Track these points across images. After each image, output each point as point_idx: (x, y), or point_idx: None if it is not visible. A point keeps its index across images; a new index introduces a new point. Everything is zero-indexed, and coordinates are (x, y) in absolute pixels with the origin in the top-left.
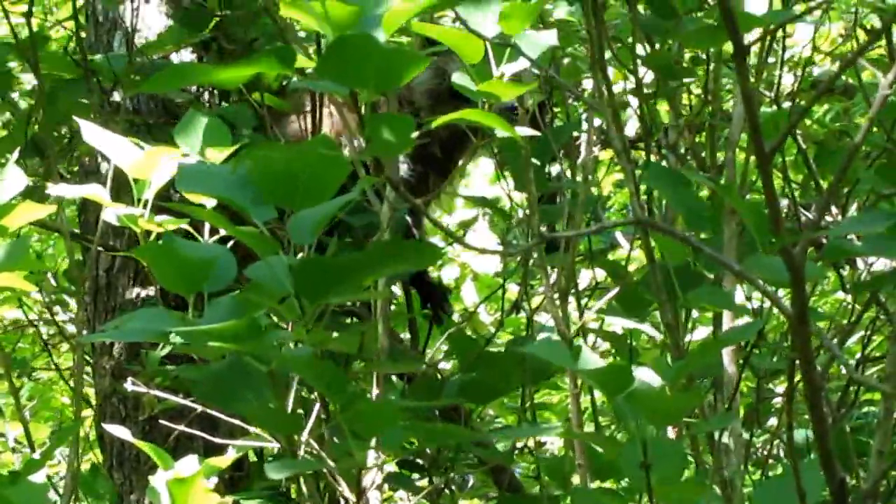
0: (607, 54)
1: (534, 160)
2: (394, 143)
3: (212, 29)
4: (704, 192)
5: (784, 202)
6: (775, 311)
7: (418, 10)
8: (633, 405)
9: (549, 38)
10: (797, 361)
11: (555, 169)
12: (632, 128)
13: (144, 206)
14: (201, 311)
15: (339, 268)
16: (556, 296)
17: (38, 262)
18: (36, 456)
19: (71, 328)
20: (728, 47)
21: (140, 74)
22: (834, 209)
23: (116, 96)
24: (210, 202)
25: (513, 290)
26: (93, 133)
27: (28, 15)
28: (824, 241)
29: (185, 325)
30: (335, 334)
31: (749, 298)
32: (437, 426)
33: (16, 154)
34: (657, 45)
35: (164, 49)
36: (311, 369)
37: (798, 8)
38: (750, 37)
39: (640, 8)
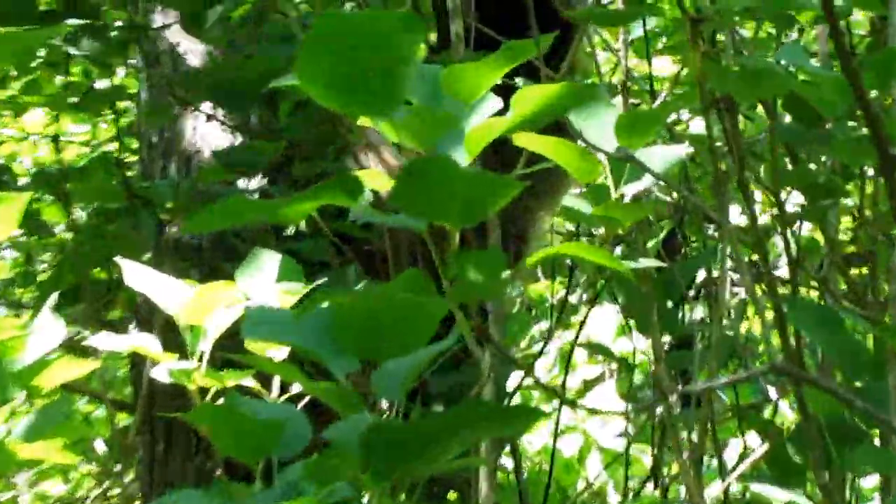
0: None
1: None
2: (483, 286)
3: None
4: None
5: None
6: None
7: (510, 127)
8: None
9: (678, 151)
10: None
11: (698, 312)
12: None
13: (200, 359)
14: (271, 481)
15: (418, 434)
16: (689, 462)
17: (83, 427)
18: None
19: None
20: None
21: (199, 205)
22: None
23: (174, 231)
24: (280, 353)
25: (644, 459)
26: (135, 273)
27: (56, 139)
28: None
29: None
30: None
31: None
32: None
33: (53, 299)
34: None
35: (227, 176)
36: None
37: None
38: None
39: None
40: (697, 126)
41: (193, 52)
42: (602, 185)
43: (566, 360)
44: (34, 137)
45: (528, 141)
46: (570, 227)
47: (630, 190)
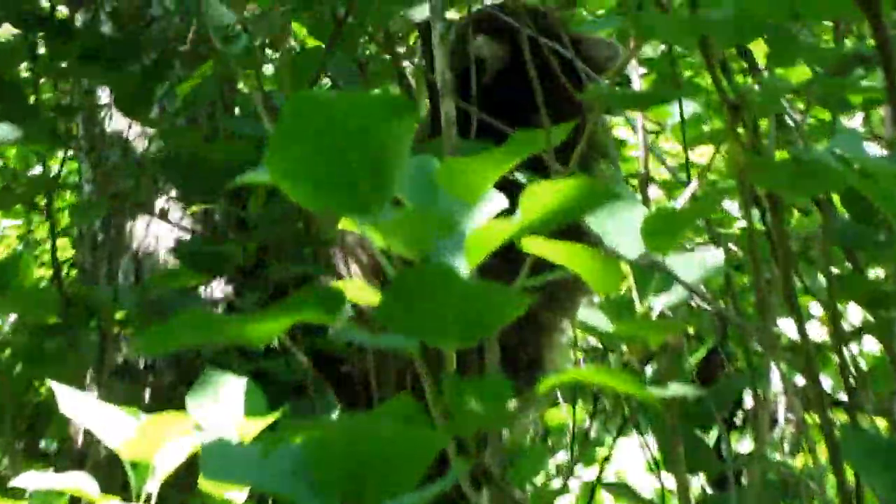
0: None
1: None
2: (484, 417)
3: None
4: None
5: None
6: None
7: (515, 231)
8: None
9: (717, 257)
10: None
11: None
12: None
13: (147, 502)
14: None
15: None
16: None
17: None
18: None
19: None
20: None
21: (152, 317)
22: None
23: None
24: (241, 494)
25: None
26: (71, 401)
27: None
28: None
29: None
30: None
31: None
32: None
33: None
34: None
35: (185, 281)
36: None
37: None
38: None
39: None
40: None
41: (144, 135)
42: (625, 297)
43: (588, 502)
44: None
45: (537, 247)
46: (595, 340)
47: (659, 303)
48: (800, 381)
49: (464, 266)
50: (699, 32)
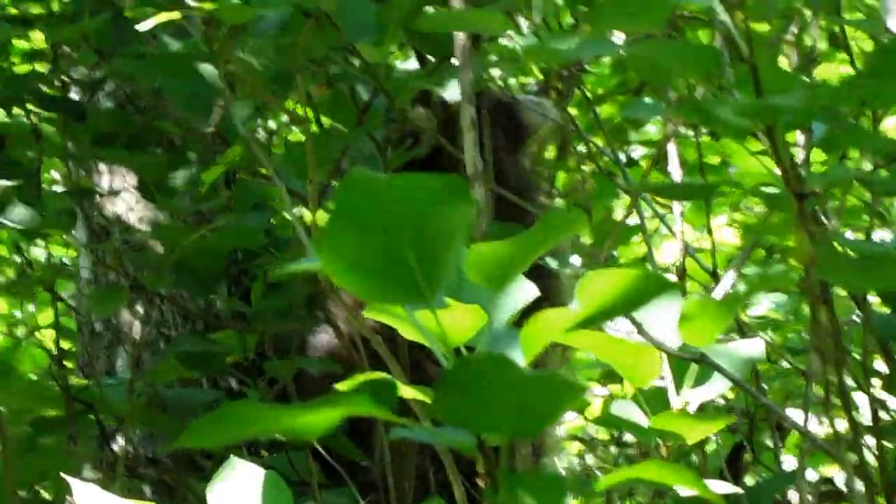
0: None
1: None
2: None
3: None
4: None
5: None
6: None
7: (573, 324)
8: None
9: (756, 347)
10: None
11: None
12: None
13: None
14: None
15: None
16: None
17: None
18: None
19: None
20: None
21: (153, 411)
22: None
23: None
24: None
25: None
26: (87, 496)
27: None
28: None
29: None
30: None
31: None
32: None
33: None
34: None
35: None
36: None
37: None
38: None
39: None
40: (763, 308)
41: (148, 220)
42: (659, 390)
43: None
44: None
45: (583, 341)
46: (594, 430)
47: (697, 396)
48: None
49: (519, 357)
50: (770, 119)
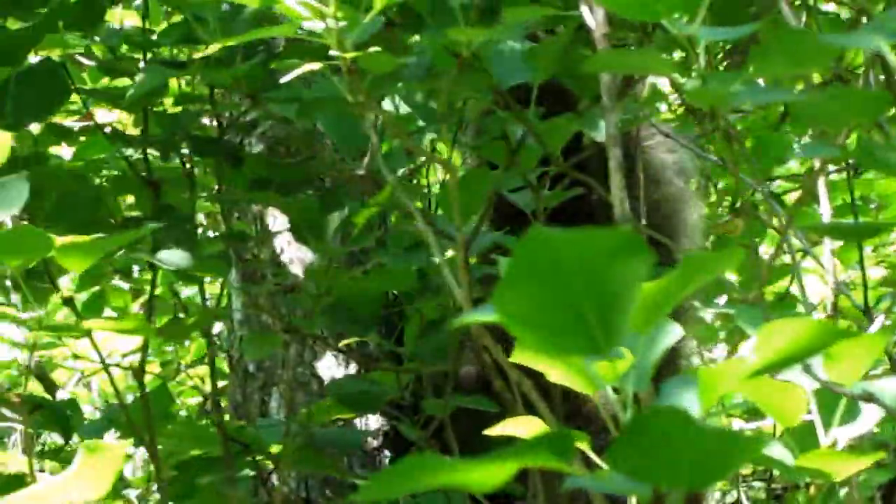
0: None
1: None
2: None
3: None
4: None
5: None
6: None
7: (751, 373)
8: None
9: None
10: None
11: None
12: None
13: None
14: None
15: None
16: None
17: None
18: None
19: None
20: None
21: (311, 450)
22: None
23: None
24: None
25: None
26: None
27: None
28: None
29: None
30: None
31: None
32: None
33: None
34: None
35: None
36: None
37: None
38: None
39: None
40: None
41: (299, 261)
42: (807, 426)
43: None
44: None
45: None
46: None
47: (846, 433)
48: None
49: (697, 408)
50: None
